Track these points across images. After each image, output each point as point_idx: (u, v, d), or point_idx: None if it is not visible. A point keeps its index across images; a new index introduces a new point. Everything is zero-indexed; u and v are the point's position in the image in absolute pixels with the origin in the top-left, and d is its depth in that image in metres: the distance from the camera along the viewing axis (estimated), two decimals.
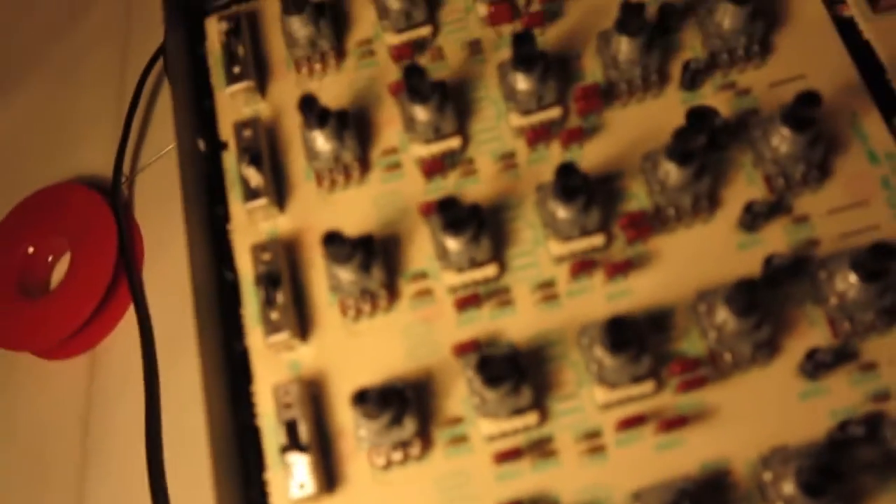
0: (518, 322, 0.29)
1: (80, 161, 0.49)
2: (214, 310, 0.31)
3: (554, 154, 0.32)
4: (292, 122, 0.33)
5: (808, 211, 0.29)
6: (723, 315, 0.27)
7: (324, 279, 0.30)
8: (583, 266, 0.29)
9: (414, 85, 0.30)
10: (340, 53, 0.35)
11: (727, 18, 0.31)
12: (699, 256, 0.29)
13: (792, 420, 0.27)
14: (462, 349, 0.29)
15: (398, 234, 0.31)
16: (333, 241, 0.28)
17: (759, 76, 0.31)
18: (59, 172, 0.49)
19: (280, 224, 0.32)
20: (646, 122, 0.31)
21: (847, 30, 0.32)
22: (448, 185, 0.32)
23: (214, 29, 0.36)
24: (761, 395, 0.27)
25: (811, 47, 0.31)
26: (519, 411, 0.27)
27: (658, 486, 0.25)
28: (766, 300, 0.27)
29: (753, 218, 0.29)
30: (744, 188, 0.30)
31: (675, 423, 0.27)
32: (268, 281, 0.30)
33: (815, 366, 0.26)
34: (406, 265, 0.30)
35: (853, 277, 0.26)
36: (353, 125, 0.32)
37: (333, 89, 0.34)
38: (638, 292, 0.29)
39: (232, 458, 0.28)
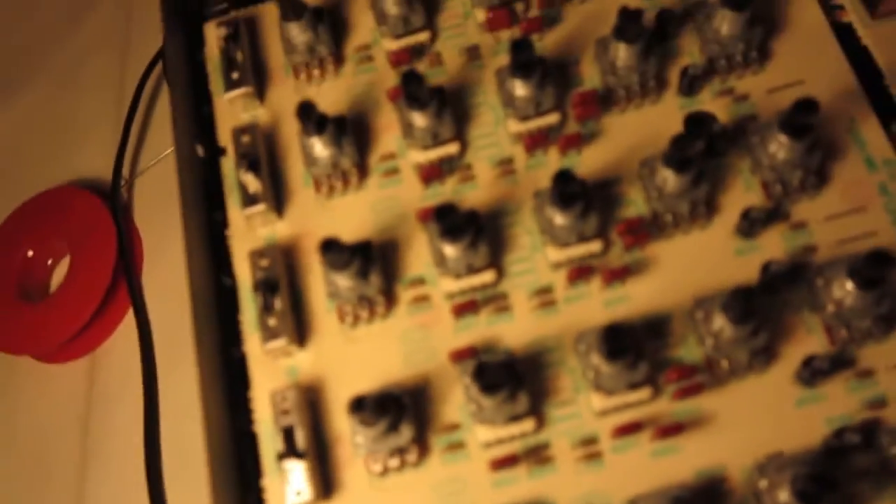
0: (515, 328, 0.29)
1: (80, 164, 0.49)
2: (212, 316, 0.31)
3: (552, 160, 0.32)
4: (291, 127, 0.34)
5: (806, 217, 0.29)
6: (719, 322, 0.27)
7: (322, 285, 0.30)
8: (580, 272, 0.30)
9: (412, 91, 0.31)
10: (339, 59, 0.35)
11: (725, 24, 0.31)
12: (697, 263, 0.29)
13: (788, 427, 0.27)
14: (459, 356, 0.29)
15: (396, 239, 0.31)
16: (331, 247, 0.28)
17: (757, 82, 0.32)
18: (59, 176, 0.49)
19: (278, 230, 0.32)
20: (644, 128, 0.32)
21: (845, 35, 0.32)
22: (446, 190, 0.32)
23: (213, 34, 0.36)
24: (758, 402, 0.27)
25: (809, 53, 0.32)
26: (516, 418, 0.27)
27: (654, 494, 0.26)
28: (763, 307, 0.27)
29: (751, 224, 0.29)
30: (741, 194, 0.30)
31: (671, 429, 0.27)
32: (266, 287, 0.30)
33: (812, 373, 0.26)
34: (404, 271, 0.31)
35: (850, 285, 0.26)
36: (352, 131, 0.32)
37: (332, 95, 0.34)
38: (635, 299, 0.29)
39: (229, 463, 0.29)
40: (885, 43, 0.31)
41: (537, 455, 0.28)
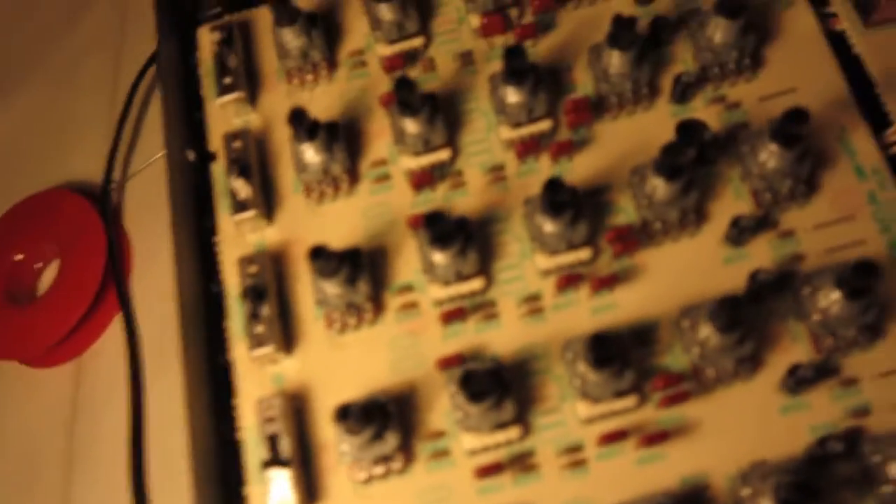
0: (503, 335, 0.31)
1: (71, 167, 0.51)
2: (200, 322, 0.32)
3: (543, 167, 0.33)
4: (282, 133, 0.35)
5: (795, 226, 0.31)
6: (706, 331, 0.28)
7: (310, 292, 0.32)
8: (569, 280, 0.31)
9: (404, 98, 0.32)
10: (332, 64, 0.36)
11: (719, 32, 0.32)
12: (685, 271, 0.31)
13: (772, 435, 0.28)
14: (446, 363, 0.30)
15: (386, 246, 0.33)
16: (320, 255, 0.29)
17: (749, 90, 0.33)
18: (49, 178, 0.51)
19: (268, 236, 0.34)
20: (636, 135, 0.33)
21: (838, 43, 0.33)
22: (437, 197, 0.33)
23: (206, 39, 0.38)
24: (743, 409, 0.29)
25: (802, 61, 0.33)
26: (501, 425, 0.29)
27: (638, 501, 0.27)
28: (749, 315, 0.28)
29: (740, 233, 0.30)
30: (731, 202, 0.31)
31: (656, 437, 0.29)
32: (253, 295, 0.31)
33: (797, 381, 0.28)
34: (392, 278, 0.32)
35: (836, 294, 0.28)
36: (343, 137, 0.34)
37: (324, 100, 0.36)
38: (623, 306, 0.31)
39: (213, 471, 0.30)
40: (877, 51, 0.33)
41: (522, 462, 0.29)
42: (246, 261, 0.33)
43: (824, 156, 0.31)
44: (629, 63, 0.32)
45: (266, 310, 0.31)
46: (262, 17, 0.38)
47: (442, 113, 0.33)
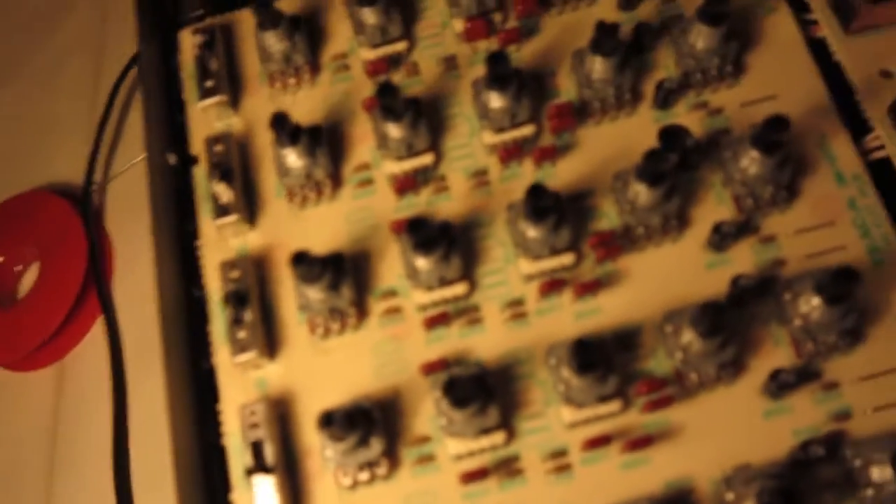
0: (487, 340, 0.30)
1: (51, 169, 0.50)
2: (182, 327, 0.32)
3: (527, 171, 0.33)
4: (265, 137, 0.35)
5: (776, 231, 0.30)
6: (688, 336, 0.28)
7: (293, 297, 0.31)
8: (552, 285, 0.31)
9: (387, 103, 0.32)
10: (315, 68, 0.36)
11: (701, 39, 0.32)
12: (668, 276, 0.30)
13: (756, 439, 0.28)
14: (430, 368, 0.30)
15: (369, 250, 0.32)
16: (302, 260, 0.29)
17: (731, 96, 0.33)
18: (30, 179, 0.50)
19: (250, 240, 0.33)
20: (619, 140, 0.33)
21: (819, 50, 0.33)
22: (420, 201, 0.33)
23: (188, 42, 0.37)
24: (726, 414, 0.28)
25: (783, 68, 0.33)
26: (486, 431, 0.28)
27: None
28: (731, 320, 0.28)
29: (722, 238, 0.30)
30: (713, 207, 0.31)
31: (640, 442, 0.28)
32: (235, 300, 0.31)
33: (779, 386, 0.28)
34: (376, 283, 0.32)
35: (817, 300, 0.28)
36: (326, 141, 0.33)
37: (307, 104, 0.35)
38: (607, 311, 0.30)
39: (197, 477, 0.30)
40: (857, 58, 0.32)
41: (508, 467, 0.29)
42: (228, 265, 0.32)
43: (805, 162, 0.31)
44: (612, 69, 0.32)
45: (249, 315, 0.31)
46: (245, 20, 0.37)
47: (425, 117, 0.33)
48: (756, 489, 0.26)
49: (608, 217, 0.31)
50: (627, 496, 0.28)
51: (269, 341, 0.31)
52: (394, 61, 0.35)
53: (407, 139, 0.32)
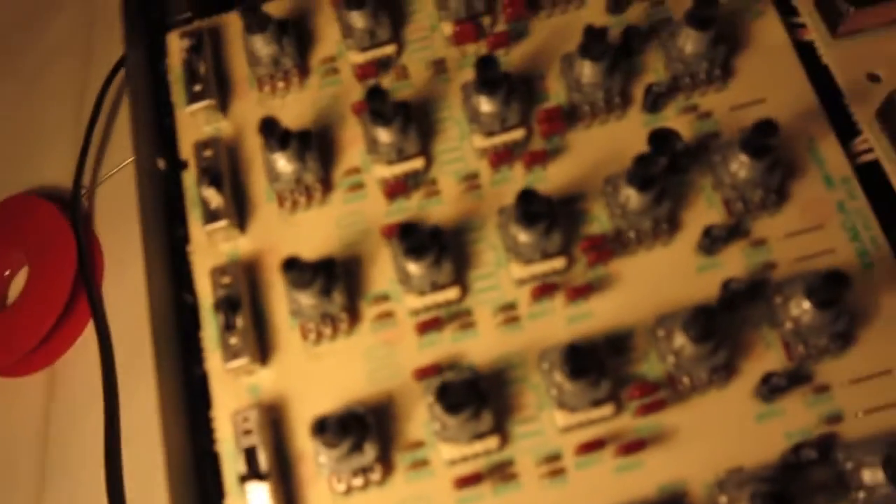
0: (479, 345, 0.30)
1: (39, 172, 0.49)
2: (173, 333, 0.31)
3: (517, 175, 0.32)
4: (254, 141, 0.34)
5: (766, 234, 0.30)
6: (680, 340, 0.28)
7: (284, 302, 0.31)
8: (544, 289, 0.30)
9: (376, 108, 0.31)
10: (304, 71, 0.35)
11: (689, 43, 0.32)
12: (659, 279, 0.30)
13: (748, 442, 0.28)
14: (423, 373, 0.30)
15: (360, 255, 0.32)
16: (293, 266, 0.28)
17: (720, 99, 0.32)
18: (18, 183, 0.49)
19: (241, 245, 0.32)
20: (609, 144, 0.32)
21: (807, 53, 0.33)
22: (411, 206, 0.32)
23: (176, 45, 0.36)
24: (718, 417, 0.28)
25: (772, 71, 0.33)
26: (479, 436, 0.28)
27: None
28: (723, 324, 0.28)
29: (712, 242, 0.30)
30: (704, 211, 0.31)
31: (633, 446, 0.28)
32: (227, 305, 0.30)
33: (771, 389, 0.27)
34: (367, 287, 0.31)
35: (807, 304, 0.27)
36: (316, 145, 0.32)
37: (296, 108, 0.35)
38: (599, 315, 0.30)
39: (190, 484, 0.29)
40: (845, 62, 0.32)
41: (501, 472, 0.28)
42: (219, 271, 0.31)
43: (794, 165, 0.31)
44: (601, 73, 0.32)
45: (240, 321, 0.30)
46: (233, 23, 0.37)
47: (415, 121, 0.32)
48: (749, 492, 0.25)
49: (599, 221, 0.31)
50: (621, 500, 0.27)
51: (261, 347, 0.31)
52: (383, 65, 0.35)
53: (397, 143, 0.32)
